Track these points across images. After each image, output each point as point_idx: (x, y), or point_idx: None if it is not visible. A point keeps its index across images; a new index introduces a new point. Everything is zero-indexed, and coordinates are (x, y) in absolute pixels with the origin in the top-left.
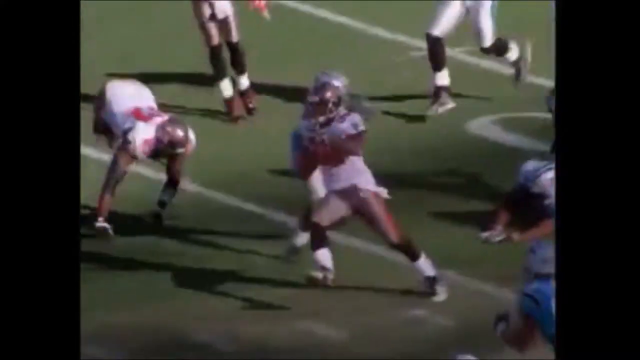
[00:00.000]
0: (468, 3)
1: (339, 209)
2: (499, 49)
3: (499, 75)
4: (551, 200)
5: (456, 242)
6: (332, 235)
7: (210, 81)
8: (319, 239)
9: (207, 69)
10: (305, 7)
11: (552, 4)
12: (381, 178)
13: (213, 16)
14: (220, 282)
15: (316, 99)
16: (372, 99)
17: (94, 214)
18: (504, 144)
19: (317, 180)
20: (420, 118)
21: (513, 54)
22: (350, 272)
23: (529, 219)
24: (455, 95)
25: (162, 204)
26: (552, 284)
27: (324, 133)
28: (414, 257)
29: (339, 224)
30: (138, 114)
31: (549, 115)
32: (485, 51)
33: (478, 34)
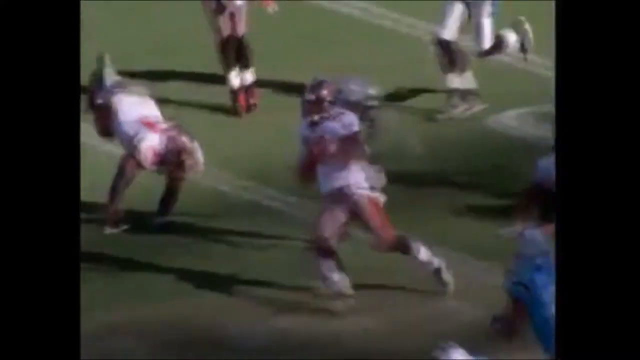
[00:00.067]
0: (469, 2)
1: (337, 216)
2: (497, 46)
3: (519, 70)
4: None
5: (477, 236)
6: (358, 230)
7: (210, 78)
8: (323, 251)
9: (205, 67)
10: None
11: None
12: (401, 173)
13: (223, 8)
14: (245, 277)
15: (312, 97)
16: (393, 95)
17: (99, 217)
18: (524, 139)
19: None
20: (441, 113)
21: (511, 40)
22: (379, 267)
23: (547, 215)
24: (480, 90)
25: (162, 212)
26: (543, 271)
27: (318, 131)
28: (410, 253)
29: (342, 235)
30: (146, 123)
31: None
32: (484, 54)
33: (477, 34)
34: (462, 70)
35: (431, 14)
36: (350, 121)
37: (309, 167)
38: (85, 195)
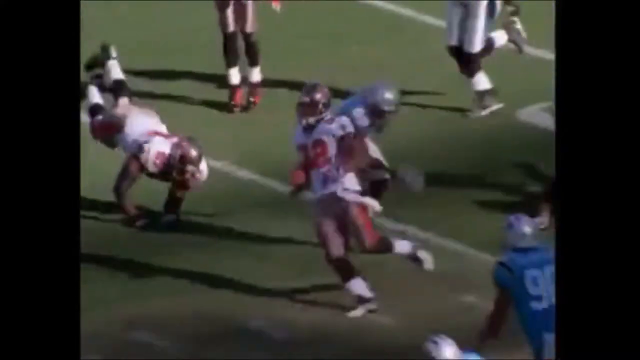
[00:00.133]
0: (465, 3)
1: (336, 227)
2: (487, 49)
3: (548, 62)
4: None
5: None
6: (384, 222)
7: (211, 77)
8: (345, 271)
9: (206, 66)
10: None
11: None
12: (431, 167)
13: (227, 4)
14: (272, 270)
15: (307, 99)
16: (422, 92)
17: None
18: (545, 133)
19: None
20: (475, 110)
21: (501, 41)
22: (403, 259)
23: None
24: (505, 84)
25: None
26: (529, 257)
27: (315, 134)
28: (393, 252)
29: (348, 247)
30: (155, 133)
31: None
32: (474, 57)
33: (468, 37)
34: (475, 71)
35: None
36: (345, 123)
37: (304, 171)
38: (85, 195)
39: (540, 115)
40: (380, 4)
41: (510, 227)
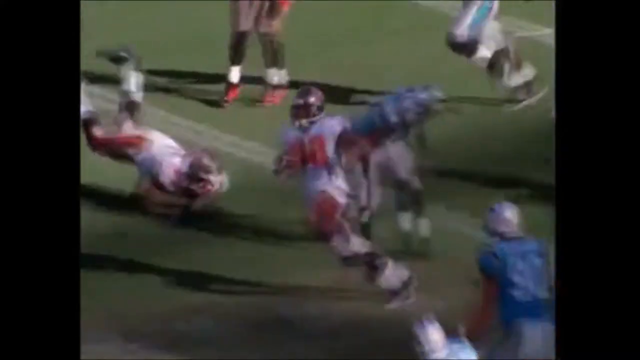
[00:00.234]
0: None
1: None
2: (469, 47)
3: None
4: None
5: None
6: (431, 210)
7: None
8: (372, 264)
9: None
10: None
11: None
12: (465, 163)
13: (247, 3)
14: (312, 258)
15: (300, 101)
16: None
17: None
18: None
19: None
20: (508, 104)
21: (485, 54)
22: (447, 245)
23: None
24: (540, 82)
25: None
26: (515, 246)
27: (313, 130)
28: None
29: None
30: (169, 152)
31: None
32: (454, 46)
33: (456, 18)
34: (517, 67)
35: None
36: (343, 121)
37: (296, 166)
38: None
39: None
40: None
41: (492, 211)
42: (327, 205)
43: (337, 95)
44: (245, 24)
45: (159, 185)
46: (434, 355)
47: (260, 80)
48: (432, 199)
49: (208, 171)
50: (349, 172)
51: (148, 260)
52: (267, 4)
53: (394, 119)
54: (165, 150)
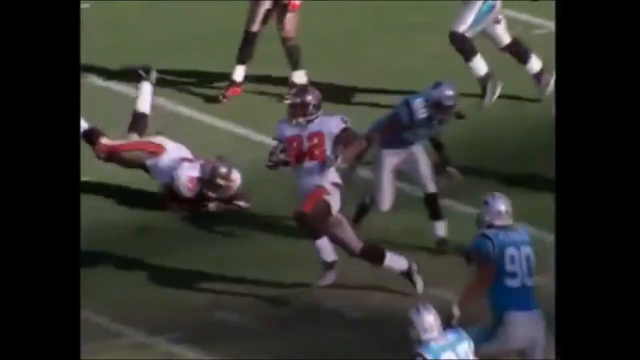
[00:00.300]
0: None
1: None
2: (466, 49)
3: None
4: None
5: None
6: (449, 204)
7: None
8: (376, 255)
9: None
10: None
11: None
12: (494, 158)
13: (262, 3)
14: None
15: (297, 100)
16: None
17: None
18: None
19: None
20: (537, 100)
21: (481, 68)
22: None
23: None
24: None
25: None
26: (509, 235)
27: (311, 127)
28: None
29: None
30: (182, 160)
31: None
32: (452, 40)
33: (457, 16)
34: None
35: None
36: (342, 120)
37: (290, 162)
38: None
39: None
40: None
41: (486, 204)
42: (322, 201)
43: (348, 95)
44: (255, 26)
45: (175, 192)
46: (428, 337)
47: (265, 79)
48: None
49: (224, 177)
50: (347, 170)
51: (172, 254)
52: (278, 7)
53: (405, 116)
54: (179, 157)
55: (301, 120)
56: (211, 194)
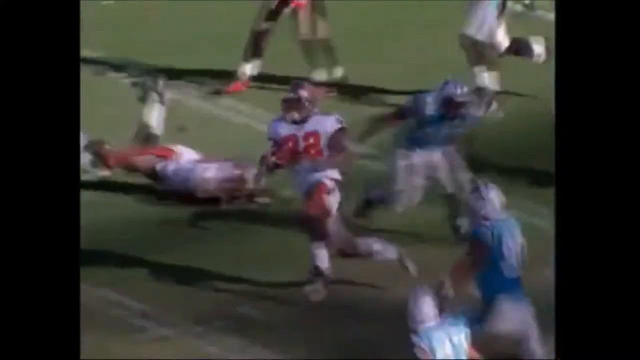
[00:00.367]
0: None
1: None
2: (478, 54)
3: None
4: None
5: None
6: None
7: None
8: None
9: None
10: None
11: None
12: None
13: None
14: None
15: (293, 96)
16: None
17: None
18: None
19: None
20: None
21: (484, 79)
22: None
23: None
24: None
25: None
26: (505, 224)
27: (307, 127)
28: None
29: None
30: (202, 161)
31: None
32: (464, 39)
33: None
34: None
35: None
36: (338, 120)
37: (283, 164)
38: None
39: None
40: None
41: (477, 192)
42: (323, 198)
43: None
44: (262, 25)
45: (193, 194)
46: (425, 325)
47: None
48: None
49: (243, 177)
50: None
51: (206, 248)
52: (287, 10)
53: (410, 111)
54: (194, 160)
55: (295, 115)
56: (231, 193)
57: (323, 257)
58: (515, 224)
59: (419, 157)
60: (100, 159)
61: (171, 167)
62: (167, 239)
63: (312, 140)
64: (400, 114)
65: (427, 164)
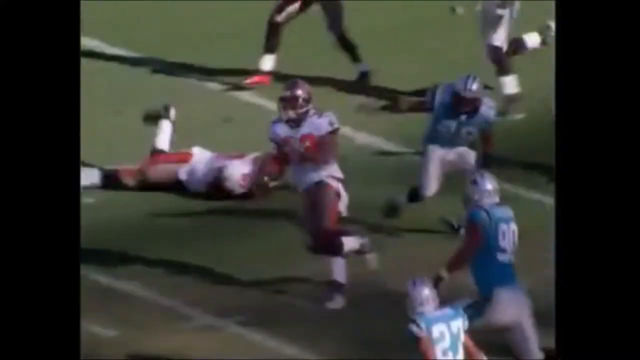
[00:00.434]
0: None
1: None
2: (503, 63)
3: None
4: None
5: None
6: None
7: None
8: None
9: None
10: None
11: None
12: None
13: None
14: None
15: (288, 94)
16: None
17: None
18: None
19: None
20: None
21: (534, 41)
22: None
23: None
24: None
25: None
26: (501, 211)
27: (302, 129)
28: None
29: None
30: (225, 157)
31: None
32: (489, 49)
33: (487, 31)
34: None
35: None
36: (333, 119)
37: (279, 163)
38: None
39: None
40: None
41: (474, 183)
42: (334, 201)
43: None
44: (277, 17)
45: (223, 190)
46: (424, 314)
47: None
48: None
49: (270, 173)
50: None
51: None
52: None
53: (428, 99)
54: (224, 156)
55: (291, 113)
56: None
57: (342, 270)
58: (510, 211)
59: (450, 154)
60: (120, 181)
61: (193, 166)
62: (143, 242)
63: (308, 143)
64: (422, 101)
65: (457, 162)
